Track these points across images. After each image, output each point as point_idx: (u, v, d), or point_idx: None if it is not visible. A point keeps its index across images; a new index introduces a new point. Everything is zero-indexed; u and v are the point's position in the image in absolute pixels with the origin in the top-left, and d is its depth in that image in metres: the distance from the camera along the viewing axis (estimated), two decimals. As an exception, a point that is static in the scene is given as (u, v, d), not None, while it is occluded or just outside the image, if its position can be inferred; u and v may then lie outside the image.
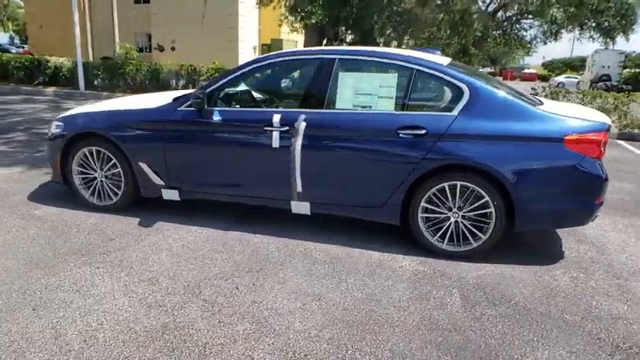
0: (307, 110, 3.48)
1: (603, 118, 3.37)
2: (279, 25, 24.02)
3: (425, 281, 3.08)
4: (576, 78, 42.85)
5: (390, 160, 3.35)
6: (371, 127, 3.37)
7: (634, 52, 45.51)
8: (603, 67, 38.79)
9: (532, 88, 11.42)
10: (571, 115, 3.27)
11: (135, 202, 4.07)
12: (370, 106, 3.44)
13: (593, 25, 19.18)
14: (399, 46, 10.68)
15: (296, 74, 4.33)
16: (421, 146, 3.26)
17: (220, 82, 3.72)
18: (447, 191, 3.30)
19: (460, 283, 3.07)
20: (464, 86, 3.30)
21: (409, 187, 3.35)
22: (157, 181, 3.90)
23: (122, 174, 3.94)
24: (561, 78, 43.62)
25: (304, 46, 12.59)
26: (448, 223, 3.37)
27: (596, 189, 3.20)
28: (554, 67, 68.77)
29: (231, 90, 3.86)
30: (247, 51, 24.59)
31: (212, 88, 3.71)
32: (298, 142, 3.45)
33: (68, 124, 4.06)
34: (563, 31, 19.26)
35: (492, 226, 3.28)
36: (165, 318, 2.55)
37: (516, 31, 20.70)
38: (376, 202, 3.47)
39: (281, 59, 3.72)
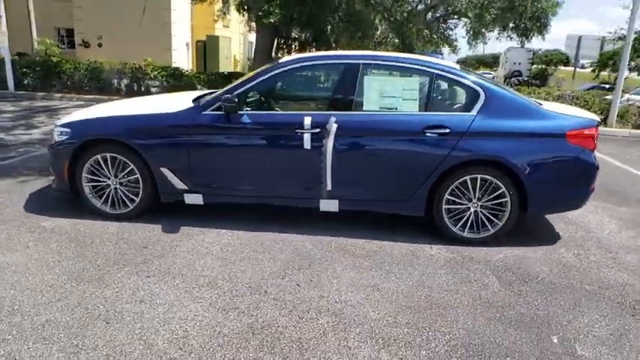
0: (337, 112, 3.65)
1: (592, 115, 3.90)
2: (215, 21, 23.55)
3: (459, 266, 3.40)
4: (490, 74, 46.22)
5: (417, 158, 3.63)
6: (399, 127, 3.62)
7: (540, 49, 50.05)
8: (515, 63, 42.22)
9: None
10: (568, 114, 3.76)
11: (149, 209, 3.99)
12: (396, 108, 3.68)
13: (512, 26, 20.99)
14: (349, 46, 11.07)
15: (321, 78, 4.45)
16: (446, 144, 3.57)
17: (248, 86, 3.77)
18: (469, 184, 3.65)
19: (489, 265, 3.43)
20: (479, 89, 3.66)
21: (434, 181, 3.65)
22: (180, 186, 3.85)
23: (141, 180, 3.85)
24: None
25: (257, 45, 12.55)
26: (468, 213, 3.72)
27: (592, 177, 3.71)
28: (468, 64, 73.68)
29: (256, 93, 3.92)
30: (181, 47, 23.79)
31: (240, 91, 3.74)
32: (330, 143, 3.61)
33: (77, 130, 3.87)
34: (484, 30, 20.91)
35: (508, 214, 3.68)
36: (247, 319, 2.62)
37: (442, 30, 22.11)
38: (403, 196, 3.74)
39: (308, 63, 3.86)
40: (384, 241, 3.76)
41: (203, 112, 3.75)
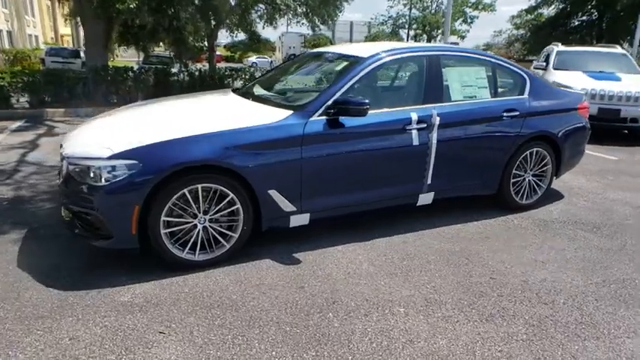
0: (434, 105, 3.67)
1: (581, 90, 4.93)
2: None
3: (553, 226, 3.97)
4: (266, 58, 48.41)
5: (499, 141, 3.98)
6: (485, 114, 3.90)
7: (309, 34, 54.85)
8: (290, 47, 45.41)
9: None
10: (572, 90, 4.67)
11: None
12: (475, 96, 3.92)
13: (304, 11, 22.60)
14: (210, 35, 10.17)
15: (399, 72, 4.18)
16: (516, 124, 4.03)
17: (349, 85, 3.39)
18: (527, 158, 4.21)
19: (558, 222, 4.09)
20: (525, 75, 4.22)
21: (507, 160, 4.08)
22: (289, 208, 3.26)
23: (242, 211, 3.09)
24: (253, 58, 48.34)
25: (88, 37, 10.34)
26: (525, 182, 4.30)
27: (587, 139, 4.74)
28: (236, 48, 75.31)
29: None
30: None
31: (342, 91, 3.34)
32: (434, 136, 3.63)
33: (151, 159, 2.81)
34: (277, 16, 21.97)
35: (549, 178, 4.40)
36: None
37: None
38: (484, 177, 4.05)
39: (399, 56, 3.67)
40: (473, 222, 4.03)
41: (310, 119, 3.23)
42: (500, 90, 4.17)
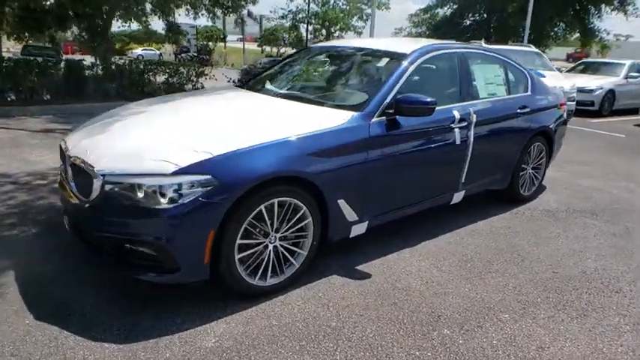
0: (468, 103, 3.64)
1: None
2: None
3: (561, 215, 4.22)
4: (153, 50, 45.25)
5: (516, 136, 4.11)
6: (507, 110, 3.99)
7: (200, 25, 52.06)
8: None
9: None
10: (552, 87, 5.00)
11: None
12: (495, 94, 3.99)
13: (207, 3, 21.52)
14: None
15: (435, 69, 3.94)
16: (528, 120, 4.20)
17: (400, 84, 3.17)
18: (531, 151, 4.42)
19: (562, 212, 4.37)
20: (526, 72, 4.41)
21: (520, 154, 4.23)
22: (352, 217, 2.98)
23: (312, 224, 2.74)
24: (139, 51, 44.91)
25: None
26: (527, 174, 4.51)
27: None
28: (118, 39, 69.50)
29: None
30: None
31: (396, 89, 3.14)
32: (472, 134, 3.61)
33: (228, 173, 2.33)
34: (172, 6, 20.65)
35: (544, 170, 4.68)
36: None
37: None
38: (501, 172, 4.15)
39: (436, 53, 3.53)
40: (495, 216, 4.12)
41: (371, 121, 2.97)
42: (513, 87, 4.30)
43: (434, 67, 3.57)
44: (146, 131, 2.75)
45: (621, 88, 11.59)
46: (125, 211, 2.32)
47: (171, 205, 2.25)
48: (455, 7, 24.61)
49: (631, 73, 11.90)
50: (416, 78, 3.37)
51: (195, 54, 37.43)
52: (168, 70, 10.63)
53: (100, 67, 9.82)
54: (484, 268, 3.15)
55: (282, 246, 2.68)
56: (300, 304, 2.60)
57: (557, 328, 2.51)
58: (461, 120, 3.50)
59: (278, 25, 35.13)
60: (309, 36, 35.11)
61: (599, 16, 23.74)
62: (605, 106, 11.29)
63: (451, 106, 3.52)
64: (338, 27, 34.41)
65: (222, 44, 45.72)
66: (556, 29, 23.40)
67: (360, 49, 3.84)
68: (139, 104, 3.55)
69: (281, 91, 3.60)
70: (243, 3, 21.02)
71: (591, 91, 11.07)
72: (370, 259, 3.18)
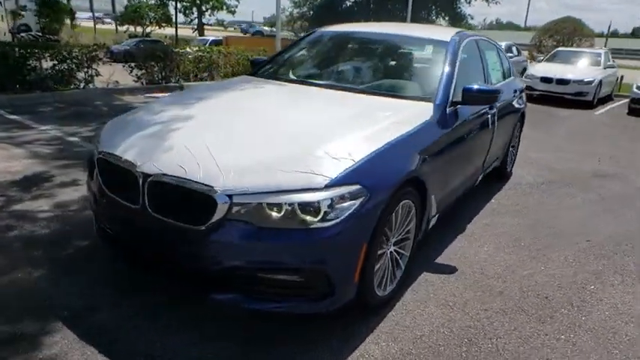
0: (493, 87, 3.80)
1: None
2: None
3: (545, 187, 4.69)
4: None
5: (513, 116, 4.43)
6: (510, 92, 4.26)
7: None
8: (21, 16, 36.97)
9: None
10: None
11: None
12: (498, 78, 4.22)
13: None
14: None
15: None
16: (518, 101, 4.56)
17: (456, 71, 3.16)
18: (515, 130, 4.80)
19: (544, 184, 4.89)
20: (506, 57, 4.74)
21: (512, 133, 4.58)
22: (434, 211, 2.93)
23: (415, 224, 2.63)
24: (-40, 29, 37.49)
25: None
26: (511, 151, 4.90)
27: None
28: None
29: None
30: None
31: (455, 78, 3.11)
32: (496, 118, 3.79)
33: (371, 179, 2.08)
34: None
35: (517, 146, 5.14)
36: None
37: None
38: (501, 150, 4.43)
39: (465, 40, 3.54)
40: (494, 198, 4.42)
41: (447, 111, 2.93)
42: (503, 71, 4.57)
43: (465, 55, 3.63)
44: (245, 138, 2.31)
45: (605, 78, 11.79)
46: (260, 235, 1.95)
47: (327, 224, 1.95)
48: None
49: (608, 62, 12.48)
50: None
51: (39, 34, 32.43)
52: (57, 55, 9.00)
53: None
54: (536, 246, 3.37)
55: (395, 251, 2.53)
56: (423, 310, 2.50)
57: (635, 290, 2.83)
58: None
59: (142, 2, 32.00)
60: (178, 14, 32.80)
61: (468, 2, 26.98)
62: (595, 96, 11.32)
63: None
64: (210, 4, 32.74)
65: (70, 22, 40.19)
66: (430, 14, 25.66)
67: (393, 36, 3.73)
68: (162, 103, 3.00)
69: (334, 83, 3.33)
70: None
71: (590, 82, 11.10)
72: (440, 252, 3.18)
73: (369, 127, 2.45)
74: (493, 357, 2.16)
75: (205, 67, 11.70)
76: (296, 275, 2.02)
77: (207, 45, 17.84)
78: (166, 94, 9.51)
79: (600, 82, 11.50)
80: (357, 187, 2.03)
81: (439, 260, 3.06)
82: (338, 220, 1.96)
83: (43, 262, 2.70)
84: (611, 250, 3.38)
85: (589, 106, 11.20)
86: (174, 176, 2.03)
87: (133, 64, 10.47)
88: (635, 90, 10.52)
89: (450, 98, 2.99)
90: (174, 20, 32.78)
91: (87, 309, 2.29)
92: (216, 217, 1.94)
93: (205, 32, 31.53)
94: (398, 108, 2.79)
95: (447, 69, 3.14)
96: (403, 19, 18.25)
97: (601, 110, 11.14)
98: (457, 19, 26.38)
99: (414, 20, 20.32)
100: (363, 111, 2.73)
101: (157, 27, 33.40)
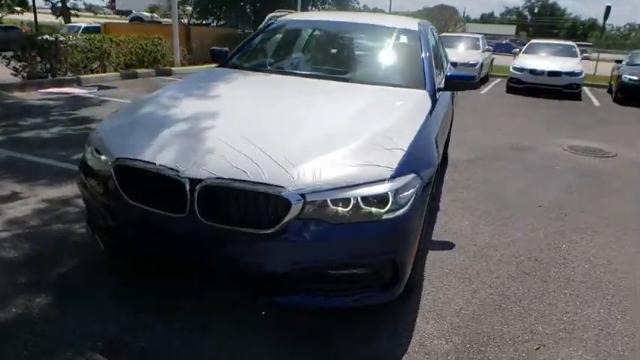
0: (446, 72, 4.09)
1: None
2: None
3: (483, 161, 5.21)
4: None
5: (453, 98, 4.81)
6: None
7: None
8: None
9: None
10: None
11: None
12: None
13: None
14: None
15: None
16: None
17: (432, 57, 3.37)
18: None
19: (480, 156, 5.42)
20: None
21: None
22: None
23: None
24: None
25: None
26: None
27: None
28: None
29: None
30: None
31: (433, 64, 3.32)
32: (455, 100, 4.11)
33: (420, 167, 2.16)
34: None
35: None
36: None
37: None
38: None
39: (430, 27, 3.75)
40: (446, 170, 4.80)
41: (436, 97, 3.10)
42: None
43: (432, 42, 3.83)
44: (284, 132, 2.20)
45: (484, 60, 12.94)
46: (332, 232, 1.91)
47: (394, 215, 1.97)
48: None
49: (485, 47, 13.46)
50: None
51: None
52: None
53: None
54: (503, 215, 3.75)
55: (419, 230, 2.64)
56: (449, 285, 2.64)
57: (595, 244, 3.34)
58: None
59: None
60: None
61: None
62: (478, 77, 11.09)
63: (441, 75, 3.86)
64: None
65: None
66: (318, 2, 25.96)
67: (366, 26, 3.78)
68: (164, 97, 2.72)
69: (316, 73, 3.28)
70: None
71: (474, 64, 12.06)
72: (443, 229, 3.38)
73: (392, 116, 2.51)
74: (524, 318, 2.39)
75: (96, 58, 10.56)
76: (366, 267, 2.02)
77: (80, 33, 15.85)
78: (66, 89, 8.44)
79: (482, 64, 12.79)
80: (413, 175, 2.08)
81: (434, 238, 3.25)
82: (404, 210, 1.99)
83: (37, 288, 2.29)
84: (561, 212, 3.90)
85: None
86: (233, 179, 1.88)
87: (9, 55, 9.05)
88: (512, 70, 12.02)
89: (437, 85, 3.16)
90: (31, 4, 28.63)
91: (123, 331, 2.03)
92: (288, 217, 1.85)
93: (73, 19, 28.00)
94: (403, 96, 2.88)
95: (425, 56, 3.30)
96: (293, 7, 18.31)
97: (484, 90, 12.50)
98: (343, 5, 27.21)
99: (303, 9, 20.53)
100: (377, 100, 2.78)
101: (10, 12, 29.00)
